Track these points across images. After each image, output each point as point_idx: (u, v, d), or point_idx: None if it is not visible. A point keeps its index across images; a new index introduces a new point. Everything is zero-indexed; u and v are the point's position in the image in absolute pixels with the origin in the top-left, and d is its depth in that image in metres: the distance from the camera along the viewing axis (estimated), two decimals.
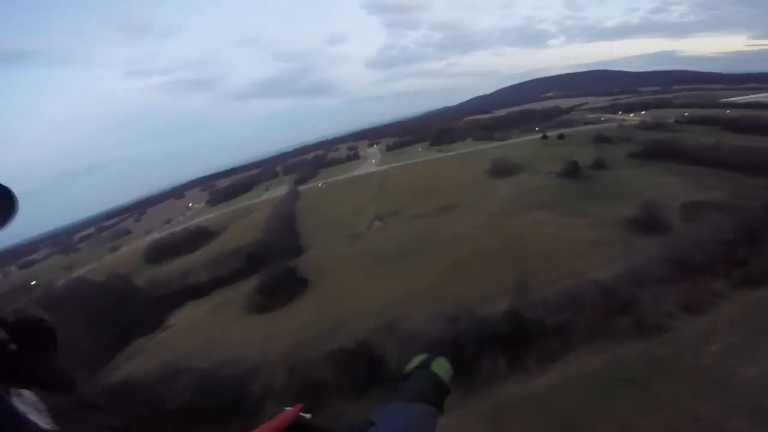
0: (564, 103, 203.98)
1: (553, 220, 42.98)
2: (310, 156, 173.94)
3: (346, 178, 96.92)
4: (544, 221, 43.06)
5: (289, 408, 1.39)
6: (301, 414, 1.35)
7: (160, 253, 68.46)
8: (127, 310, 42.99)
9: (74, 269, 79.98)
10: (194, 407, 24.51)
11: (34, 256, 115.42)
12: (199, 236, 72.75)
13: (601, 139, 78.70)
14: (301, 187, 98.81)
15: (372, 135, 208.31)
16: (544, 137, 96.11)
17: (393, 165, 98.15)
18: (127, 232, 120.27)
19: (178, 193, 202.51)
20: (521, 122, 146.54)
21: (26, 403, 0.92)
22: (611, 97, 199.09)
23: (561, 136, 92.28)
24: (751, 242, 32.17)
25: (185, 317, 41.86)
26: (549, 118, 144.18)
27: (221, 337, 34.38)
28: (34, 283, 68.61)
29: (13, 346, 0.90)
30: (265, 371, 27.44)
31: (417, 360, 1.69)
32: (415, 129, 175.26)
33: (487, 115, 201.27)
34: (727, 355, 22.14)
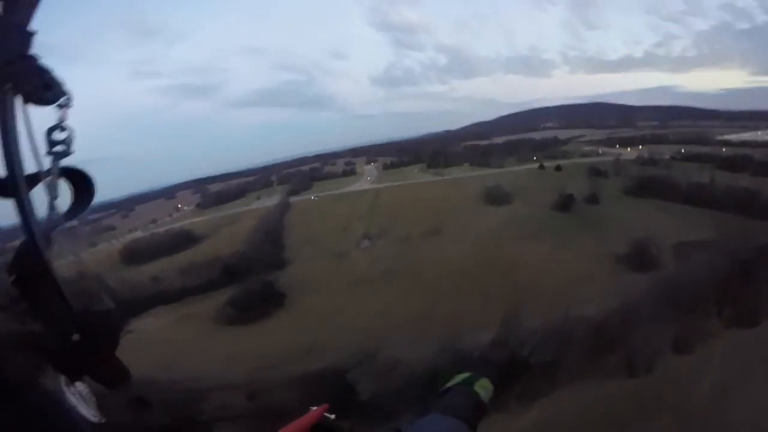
0: (563, 134, 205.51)
1: (543, 252, 41.99)
2: (306, 168, 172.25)
3: (340, 193, 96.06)
4: (533, 252, 42.03)
5: (314, 408, 1.40)
6: (326, 414, 1.39)
7: (137, 253, 65.93)
8: None
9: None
10: (131, 426, 22.40)
11: (9, 245, 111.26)
12: (182, 240, 69.85)
13: (596, 173, 78.57)
14: (294, 199, 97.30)
15: (370, 152, 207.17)
16: (541, 167, 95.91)
17: (388, 184, 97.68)
18: (111, 228, 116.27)
19: (169, 193, 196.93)
20: (519, 151, 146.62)
21: (75, 394, 0.91)
22: (609, 130, 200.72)
23: (558, 168, 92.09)
24: (743, 282, 31.30)
25: (148, 325, 39.76)
26: (547, 148, 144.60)
27: (182, 350, 32.46)
28: None
29: (76, 337, 0.87)
30: (222, 392, 25.60)
31: (460, 377, 1.66)
32: (414, 150, 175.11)
33: (486, 142, 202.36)
34: (717, 395, 20.94)
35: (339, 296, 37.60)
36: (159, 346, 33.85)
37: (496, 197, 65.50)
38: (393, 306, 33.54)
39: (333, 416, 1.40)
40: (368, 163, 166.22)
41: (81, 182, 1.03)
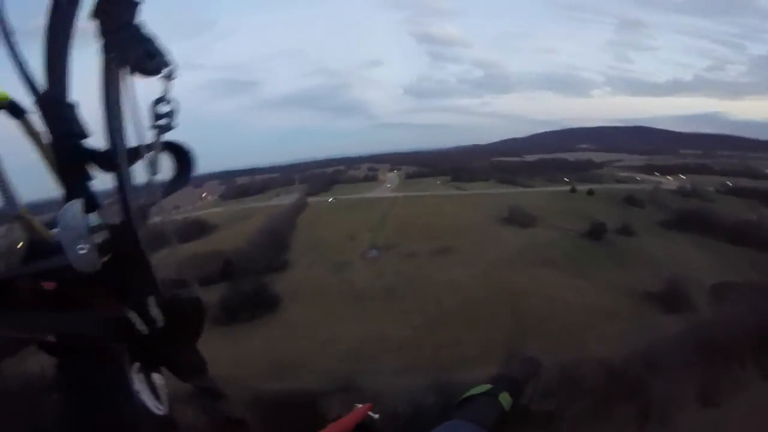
0: (598, 156, 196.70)
1: (561, 282, 38.06)
2: (330, 170, 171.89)
3: (358, 198, 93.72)
4: (551, 282, 38.11)
5: (359, 405, 1.42)
6: (370, 413, 1.40)
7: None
8: None
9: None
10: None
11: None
12: (194, 229, 67.50)
13: (631, 201, 72.96)
14: (312, 199, 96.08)
15: (395, 160, 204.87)
16: (573, 191, 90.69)
17: (407, 194, 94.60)
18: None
19: (198, 182, 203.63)
20: (550, 171, 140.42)
21: (144, 382, 0.87)
22: (649, 157, 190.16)
23: (590, 192, 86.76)
24: None
25: None
26: (580, 170, 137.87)
27: None
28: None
29: (161, 323, 0.84)
30: (176, 401, 23.05)
31: (482, 387, 1.67)
32: (439, 162, 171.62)
33: (516, 159, 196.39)
34: None
35: (332, 310, 34.82)
36: None
37: (518, 218, 61.25)
38: (386, 329, 30.47)
39: (377, 416, 1.41)
40: (391, 170, 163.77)
41: (182, 157, 1.00)
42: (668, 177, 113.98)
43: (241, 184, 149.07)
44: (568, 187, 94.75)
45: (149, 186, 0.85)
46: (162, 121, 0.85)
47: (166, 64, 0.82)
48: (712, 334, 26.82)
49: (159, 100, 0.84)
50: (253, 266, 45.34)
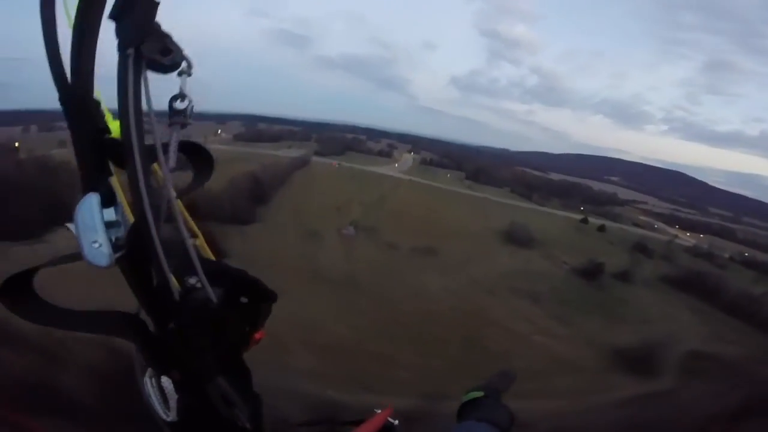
0: (625, 193, 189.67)
1: (536, 320, 34.41)
2: (349, 136, 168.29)
3: (363, 169, 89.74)
4: (525, 317, 34.45)
5: (379, 411, 1.37)
6: (389, 419, 1.36)
7: None
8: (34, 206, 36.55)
9: (66, 146, 76.48)
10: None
11: (57, 123, 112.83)
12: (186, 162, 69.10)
13: (641, 249, 68.14)
14: (317, 159, 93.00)
15: (417, 144, 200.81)
16: (584, 221, 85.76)
17: (415, 179, 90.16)
18: (147, 132, 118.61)
19: (221, 119, 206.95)
20: (570, 195, 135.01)
21: (155, 386, 0.86)
22: (676, 207, 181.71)
23: (601, 228, 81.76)
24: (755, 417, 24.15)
25: (63, 238, 35.06)
26: (601, 203, 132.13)
27: (78, 277, 27.44)
28: (17, 144, 64.93)
29: (171, 326, 0.83)
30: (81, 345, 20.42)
31: (476, 393, 1.64)
32: (461, 156, 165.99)
33: (540, 174, 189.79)
34: None
35: (279, 283, 31.41)
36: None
37: (518, 236, 57.08)
38: (326, 324, 27.14)
39: (396, 422, 1.36)
40: (409, 152, 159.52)
41: (199, 157, 1.03)
42: (688, 233, 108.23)
43: (258, 130, 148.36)
44: (581, 216, 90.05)
45: (166, 184, 0.82)
46: (179, 118, 0.83)
47: (183, 60, 0.80)
48: (669, 408, 24.40)
49: (176, 97, 0.82)
50: (216, 212, 42.23)
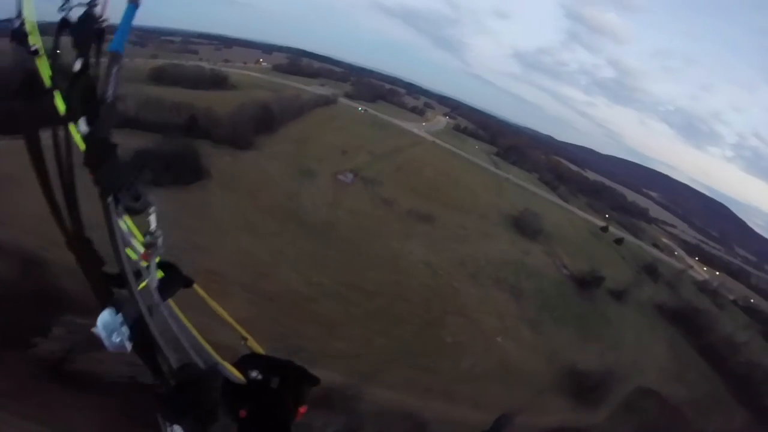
0: (657, 211, 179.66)
1: (507, 318, 31.92)
2: (387, 87, 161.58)
3: (388, 120, 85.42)
4: (498, 311, 31.93)
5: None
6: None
7: (164, 77, 61.55)
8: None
9: None
10: None
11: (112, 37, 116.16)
12: (215, 81, 67.44)
13: (650, 271, 63.79)
14: (345, 101, 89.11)
15: (457, 109, 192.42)
16: (604, 229, 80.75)
17: (439, 143, 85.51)
18: (193, 51, 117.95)
19: (269, 50, 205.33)
20: (599, 198, 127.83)
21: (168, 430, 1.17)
22: (703, 238, 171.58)
23: (619, 241, 76.81)
24: None
25: (46, 136, 33.34)
26: (628, 214, 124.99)
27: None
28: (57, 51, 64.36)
29: (173, 382, 1.18)
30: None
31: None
32: (498, 131, 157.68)
33: (576, 170, 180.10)
34: None
35: (249, 217, 29.65)
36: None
37: (526, 225, 53.33)
38: (282, 273, 25.15)
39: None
40: (444, 115, 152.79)
41: (173, 273, 1.36)
42: (705, 267, 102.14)
43: (299, 64, 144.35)
44: (603, 223, 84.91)
45: (149, 295, 1.14)
46: (151, 250, 1.11)
47: (150, 204, 1.06)
48: None
49: (147, 233, 1.09)
50: (214, 132, 40.16)
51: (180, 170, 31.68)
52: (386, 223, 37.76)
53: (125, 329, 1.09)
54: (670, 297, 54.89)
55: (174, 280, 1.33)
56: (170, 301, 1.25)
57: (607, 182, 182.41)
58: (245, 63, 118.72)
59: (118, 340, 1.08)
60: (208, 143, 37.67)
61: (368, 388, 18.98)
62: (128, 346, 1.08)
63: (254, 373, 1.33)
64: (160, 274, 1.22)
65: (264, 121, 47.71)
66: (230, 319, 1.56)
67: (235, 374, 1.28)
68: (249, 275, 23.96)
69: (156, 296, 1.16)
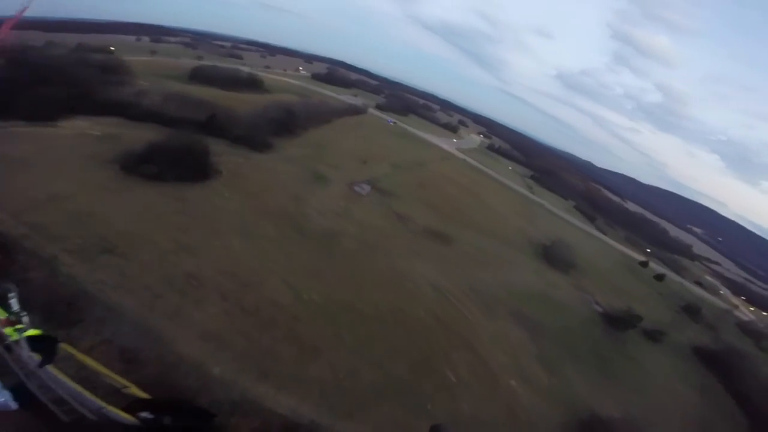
0: (701, 248, 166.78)
1: (523, 357, 28.11)
2: (421, 101, 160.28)
3: (417, 134, 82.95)
4: (513, 350, 28.16)
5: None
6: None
7: (202, 76, 63.53)
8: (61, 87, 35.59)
9: (155, 54, 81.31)
10: None
11: (169, 39, 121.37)
12: (250, 84, 68.59)
13: (691, 311, 57.47)
14: (374, 112, 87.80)
15: (492, 128, 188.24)
16: (644, 264, 74.52)
17: (469, 160, 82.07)
18: (237, 57, 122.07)
19: (311, 59, 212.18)
20: (639, 231, 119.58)
21: None
22: (750, 277, 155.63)
23: (660, 277, 70.39)
24: None
25: (69, 126, 33.14)
26: (669, 249, 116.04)
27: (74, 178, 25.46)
28: (112, 48, 67.34)
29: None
30: None
31: None
32: (534, 154, 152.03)
33: (615, 198, 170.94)
34: None
35: (248, 219, 27.56)
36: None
37: (556, 257, 48.89)
38: (268, 284, 22.64)
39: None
40: (479, 134, 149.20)
41: (51, 344, 1.65)
42: (751, 308, 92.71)
43: (336, 74, 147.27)
44: (642, 258, 78.52)
45: (24, 361, 1.53)
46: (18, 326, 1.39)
47: (9, 290, 1.29)
48: None
49: (11, 313, 1.32)
50: (231, 132, 39.05)
51: (186, 166, 30.31)
52: (397, 239, 34.82)
53: (6, 392, 1.51)
54: (711, 339, 49.08)
55: (53, 348, 1.28)
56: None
57: (648, 215, 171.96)
58: (285, 70, 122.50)
59: (2, 400, 1.53)
60: (225, 142, 36.37)
61: (343, 427, 16.01)
62: (13, 405, 1.64)
63: (145, 414, 1.31)
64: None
65: (285, 124, 46.46)
66: (106, 371, 1.30)
67: (125, 417, 1.30)
68: (232, 283, 21.62)
69: (31, 364, 1.61)
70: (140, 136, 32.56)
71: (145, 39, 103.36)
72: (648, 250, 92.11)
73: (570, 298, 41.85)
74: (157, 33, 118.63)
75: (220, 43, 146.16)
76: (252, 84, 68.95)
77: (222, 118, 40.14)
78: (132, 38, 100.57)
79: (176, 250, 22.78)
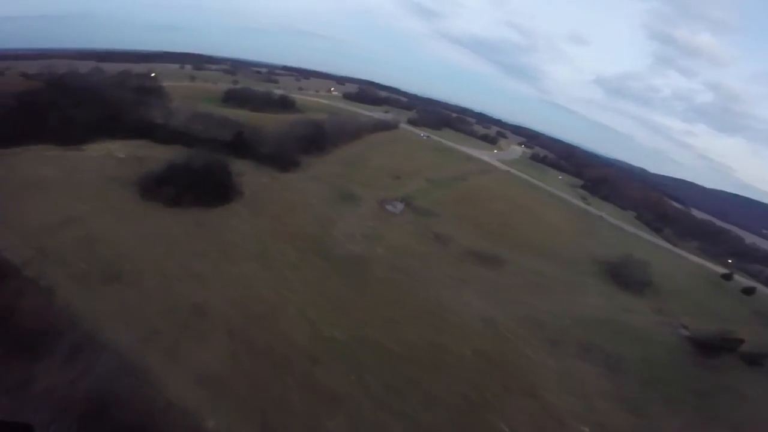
0: None
1: (597, 398, 22.81)
2: (454, 115, 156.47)
3: (452, 147, 78.69)
4: (583, 390, 22.78)
5: None
6: None
7: (234, 98, 64.74)
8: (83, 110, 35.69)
9: (195, 79, 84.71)
10: None
11: (210, 66, 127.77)
12: (283, 104, 68.79)
13: None
14: (406, 126, 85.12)
15: (534, 139, 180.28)
16: (727, 277, 64.70)
17: (514, 172, 76.39)
18: (274, 81, 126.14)
19: (342, 80, 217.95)
20: (712, 241, 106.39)
21: None
22: None
23: (749, 291, 60.36)
24: None
25: (97, 149, 32.51)
26: (749, 259, 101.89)
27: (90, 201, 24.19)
28: (153, 75, 70.16)
29: None
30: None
31: None
32: (583, 163, 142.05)
33: (679, 206, 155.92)
34: None
35: (266, 243, 24.56)
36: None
37: (626, 275, 42.15)
38: (283, 316, 19.19)
39: None
40: (519, 144, 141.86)
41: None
42: None
43: (367, 93, 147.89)
44: (723, 270, 68.38)
45: None
46: None
47: None
48: None
49: None
50: (264, 150, 37.15)
51: (206, 188, 28.20)
52: (437, 264, 30.41)
53: None
54: None
55: None
56: None
57: (718, 222, 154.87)
58: (317, 91, 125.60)
59: None
60: (251, 162, 34.38)
61: None
62: None
63: None
64: None
65: (314, 141, 44.12)
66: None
67: None
68: (242, 316, 18.49)
69: None
70: (164, 157, 31.20)
71: (188, 67, 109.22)
72: (729, 261, 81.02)
73: (648, 323, 35.24)
74: (199, 61, 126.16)
75: (257, 69, 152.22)
76: (284, 104, 68.68)
77: (249, 137, 38.36)
78: (176, 66, 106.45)
79: (185, 278, 20.37)
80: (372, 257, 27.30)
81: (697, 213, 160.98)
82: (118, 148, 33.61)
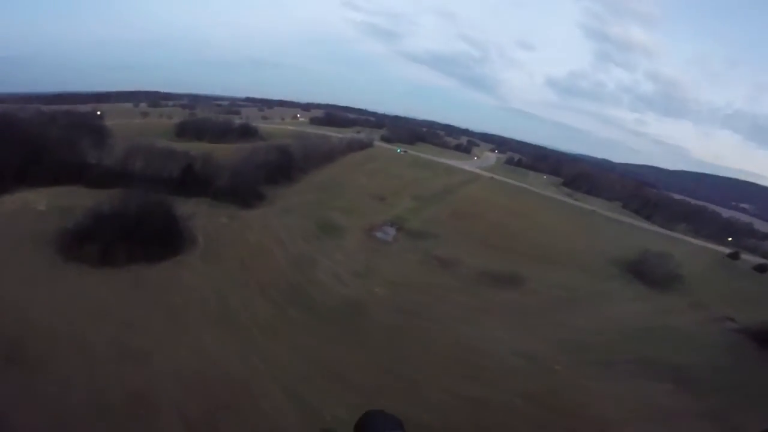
0: (761, 225, 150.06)
1: (678, 414, 17.83)
2: (425, 129, 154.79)
3: (432, 159, 74.42)
4: (661, 411, 17.58)
5: None
6: None
7: (185, 131, 59.55)
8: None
9: (147, 116, 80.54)
10: None
11: (167, 102, 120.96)
12: (244, 132, 63.64)
13: None
14: (381, 144, 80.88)
15: (503, 145, 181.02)
16: (734, 256, 61.72)
17: (499, 178, 72.43)
18: (236, 113, 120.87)
19: (308, 107, 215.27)
20: (697, 220, 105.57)
21: None
22: None
23: (763, 268, 57.33)
24: None
25: (11, 201, 25.80)
26: (738, 233, 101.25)
27: None
28: (99, 113, 65.08)
29: None
30: None
31: None
32: (556, 162, 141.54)
33: (655, 191, 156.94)
34: None
35: (239, 296, 18.45)
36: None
37: (650, 271, 37.84)
38: (271, 392, 13.33)
39: None
40: (492, 150, 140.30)
41: None
42: None
43: (335, 116, 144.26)
44: (726, 249, 65.72)
45: None
46: None
47: None
48: None
49: None
50: (220, 185, 31.13)
51: (144, 239, 21.74)
52: (448, 295, 24.76)
53: None
54: None
55: None
56: None
57: (693, 201, 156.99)
58: (283, 119, 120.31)
59: None
60: (204, 200, 28.15)
61: None
62: None
63: None
64: None
65: (280, 168, 38.20)
66: None
67: None
68: (201, 405, 12.44)
69: None
70: (76, 203, 24.70)
71: (143, 105, 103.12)
72: (729, 239, 79.20)
73: (692, 321, 30.67)
74: (156, 98, 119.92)
75: (218, 102, 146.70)
76: (246, 133, 62.96)
77: (201, 170, 32.17)
78: (130, 105, 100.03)
79: (119, 357, 14.02)
80: (369, 300, 21.44)
81: (675, 195, 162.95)
82: (38, 198, 26.95)
